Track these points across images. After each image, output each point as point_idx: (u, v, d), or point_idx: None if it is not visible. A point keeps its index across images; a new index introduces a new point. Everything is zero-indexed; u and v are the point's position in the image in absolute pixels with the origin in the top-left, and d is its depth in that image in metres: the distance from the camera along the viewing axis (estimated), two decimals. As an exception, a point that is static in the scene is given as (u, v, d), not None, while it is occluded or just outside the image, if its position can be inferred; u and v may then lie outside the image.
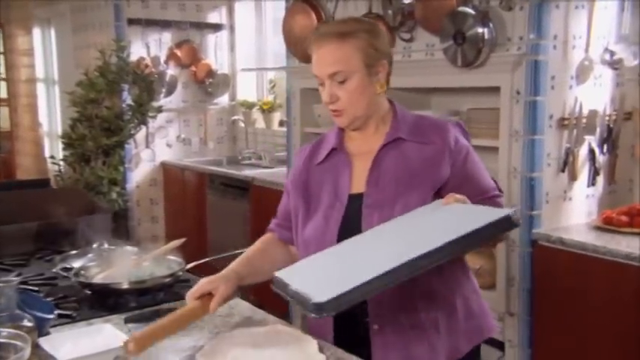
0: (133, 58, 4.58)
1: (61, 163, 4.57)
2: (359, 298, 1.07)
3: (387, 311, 1.39)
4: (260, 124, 4.87)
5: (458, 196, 1.29)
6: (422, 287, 1.38)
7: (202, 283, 1.39)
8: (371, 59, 1.39)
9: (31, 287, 1.69)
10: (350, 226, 1.40)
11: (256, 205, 3.93)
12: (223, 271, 1.43)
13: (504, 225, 1.15)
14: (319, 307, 1.01)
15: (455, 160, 1.41)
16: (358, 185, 1.43)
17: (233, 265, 1.47)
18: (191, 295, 1.38)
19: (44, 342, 1.24)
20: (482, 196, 1.42)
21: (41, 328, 1.28)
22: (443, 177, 1.39)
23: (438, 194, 1.38)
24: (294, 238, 1.53)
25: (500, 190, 1.48)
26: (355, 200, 1.42)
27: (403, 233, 1.23)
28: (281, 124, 4.67)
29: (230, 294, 1.40)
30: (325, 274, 1.17)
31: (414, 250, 1.07)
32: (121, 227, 4.32)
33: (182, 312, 1.36)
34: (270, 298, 1.40)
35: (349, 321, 1.42)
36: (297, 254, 1.52)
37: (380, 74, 1.42)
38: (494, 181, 1.49)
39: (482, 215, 1.15)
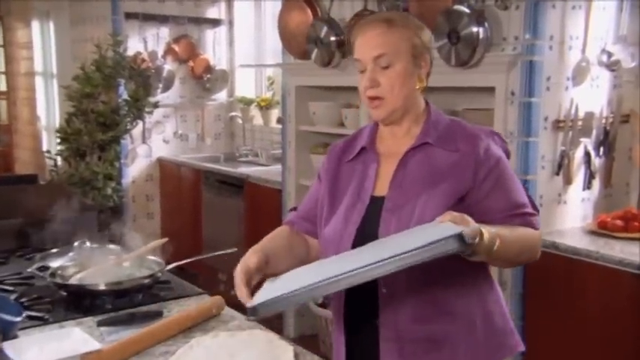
0: (130, 52, 4.55)
1: (57, 157, 4.54)
2: (288, 305, 1.23)
3: (402, 325, 1.32)
4: (258, 120, 4.83)
5: (455, 214, 1.20)
6: (441, 301, 1.33)
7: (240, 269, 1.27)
8: (417, 50, 1.36)
9: (5, 287, 1.66)
10: (368, 229, 1.35)
11: (250, 202, 3.89)
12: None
13: (452, 244, 1.09)
14: (252, 310, 1.16)
15: (481, 169, 1.33)
16: (382, 187, 1.39)
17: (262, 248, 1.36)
18: (238, 286, 1.26)
19: (8, 346, 1.21)
20: (510, 211, 1.33)
21: (7, 332, 1.25)
22: (466, 186, 1.32)
23: (463, 203, 1.32)
24: (318, 231, 1.47)
25: (535, 209, 1.38)
26: (377, 203, 1.38)
27: (375, 250, 1.22)
28: (278, 121, 4.63)
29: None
30: (283, 284, 1.22)
31: (352, 265, 1.11)
32: (117, 223, 4.29)
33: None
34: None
35: (363, 333, 1.37)
36: (315, 247, 1.47)
37: (422, 69, 1.38)
38: (530, 198, 1.39)
39: (437, 233, 1.12)
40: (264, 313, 1.14)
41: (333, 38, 3.09)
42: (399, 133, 1.41)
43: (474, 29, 2.43)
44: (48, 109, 6.36)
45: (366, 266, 1.09)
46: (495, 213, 1.31)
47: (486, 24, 2.44)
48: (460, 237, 1.10)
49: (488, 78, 2.48)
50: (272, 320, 2.83)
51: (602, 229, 2.39)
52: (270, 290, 1.20)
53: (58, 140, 4.52)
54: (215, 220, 4.31)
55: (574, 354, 2.29)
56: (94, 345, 1.26)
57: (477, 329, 1.36)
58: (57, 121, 5.81)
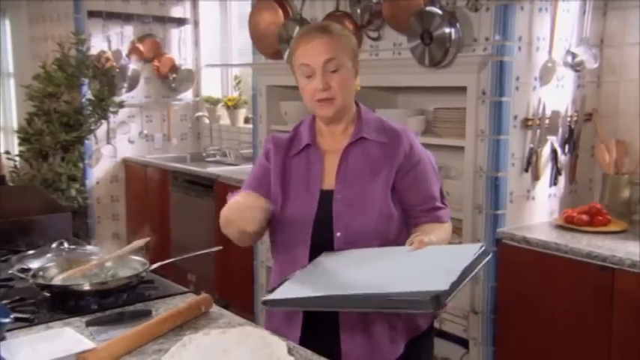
0: (94, 51, 4.47)
1: (17, 158, 4.41)
2: (299, 307, 1.42)
3: None
4: (225, 120, 4.81)
5: (425, 239, 1.40)
6: None
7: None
8: (354, 54, 1.55)
9: (-15, 289, 1.62)
10: (323, 220, 1.52)
11: (221, 202, 3.83)
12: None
13: (428, 305, 1.18)
14: (271, 302, 1.37)
15: (406, 162, 1.54)
16: (329, 181, 1.55)
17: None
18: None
19: (0, 347, 1.18)
20: (424, 206, 1.57)
21: (-3, 334, 1.22)
22: (393, 175, 1.53)
23: (393, 191, 1.54)
24: (270, 225, 1.58)
25: (444, 204, 1.62)
26: (326, 196, 1.54)
27: (377, 269, 1.36)
28: (246, 120, 4.62)
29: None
30: (301, 285, 1.37)
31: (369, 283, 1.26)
32: (80, 225, 4.21)
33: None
34: (237, 298, 1.39)
35: None
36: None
37: (358, 74, 1.57)
38: (442, 194, 1.63)
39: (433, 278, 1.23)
40: (277, 307, 1.34)
41: (305, 38, 3.11)
42: (337, 131, 1.58)
43: (447, 30, 2.49)
44: (4, 109, 6.17)
45: (385, 294, 1.20)
46: (413, 206, 1.56)
47: (458, 25, 2.50)
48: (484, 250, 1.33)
49: (460, 78, 2.55)
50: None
51: (568, 224, 2.48)
52: (288, 289, 1.35)
53: (19, 141, 4.41)
54: (184, 221, 4.27)
55: (545, 346, 2.37)
56: (88, 344, 1.25)
57: None
58: (14, 122, 5.64)
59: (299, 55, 1.51)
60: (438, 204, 1.60)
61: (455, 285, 1.17)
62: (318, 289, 1.29)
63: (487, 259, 1.34)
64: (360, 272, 1.35)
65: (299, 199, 1.55)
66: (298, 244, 1.53)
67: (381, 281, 1.26)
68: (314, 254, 1.50)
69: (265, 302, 1.35)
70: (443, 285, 1.15)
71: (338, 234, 1.51)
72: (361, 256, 1.45)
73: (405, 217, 1.58)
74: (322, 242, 1.51)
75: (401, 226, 1.57)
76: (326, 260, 1.47)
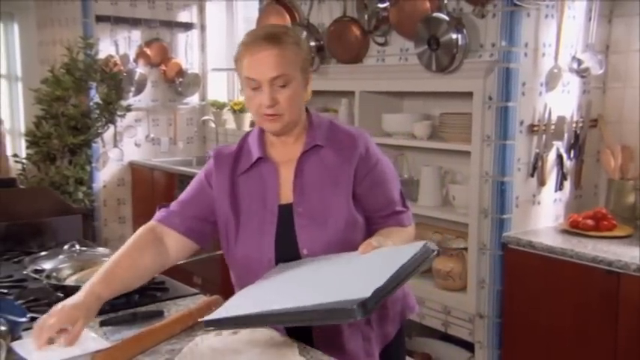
0: (102, 55, 4.50)
1: (25, 161, 4.44)
2: (236, 326, 1.29)
3: None
4: (231, 124, 4.84)
5: (374, 242, 1.31)
6: None
7: (60, 319, 1.23)
8: (305, 64, 1.43)
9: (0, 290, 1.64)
10: (286, 237, 1.43)
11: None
12: (82, 296, 1.29)
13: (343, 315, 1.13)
14: (207, 323, 1.24)
15: (363, 167, 1.45)
16: (285, 195, 1.45)
17: (94, 285, 1.34)
18: (46, 330, 1.21)
19: (17, 346, 1.21)
20: (386, 210, 1.50)
21: (13, 333, 1.24)
22: (352, 180, 1.44)
23: (354, 198, 1.45)
24: (225, 251, 1.51)
25: (405, 206, 1.55)
26: (286, 210, 1.44)
27: (318, 279, 1.28)
28: (252, 124, 4.64)
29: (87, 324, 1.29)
30: (240, 303, 1.30)
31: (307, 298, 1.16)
32: (87, 228, 4.23)
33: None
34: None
35: None
36: (173, 249, 1.48)
37: (309, 81, 1.46)
38: (402, 195, 1.56)
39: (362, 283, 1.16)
40: (217, 327, 1.23)
41: (312, 43, 3.14)
42: (289, 141, 1.48)
43: (453, 36, 2.52)
44: (12, 112, 6.21)
45: (301, 309, 1.12)
46: (374, 212, 1.48)
47: (464, 31, 2.53)
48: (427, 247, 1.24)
49: (466, 83, 2.57)
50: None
51: (574, 229, 2.50)
52: (228, 307, 1.28)
53: (27, 144, 4.44)
54: (190, 224, 4.28)
55: (550, 350, 2.38)
56: (103, 344, 1.27)
57: (385, 301, 1.45)
58: (22, 125, 5.67)
59: (245, 65, 1.38)
60: (399, 208, 1.53)
61: (380, 290, 1.09)
62: (247, 306, 1.23)
63: (432, 256, 1.25)
64: (297, 284, 1.28)
65: (255, 218, 1.45)
66: (262, 265, 1.42)
67: (310, 294, 1.18)
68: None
69: (206, 323, 1.23)
70: (366, 292, 1.08)
71: (304, 251, 1.42)
72: (311, 265, 1.37)
73: (367, 223, 1.50)
74: (289, 260, 1.42)
75: (365, 232, 1.49)
76: (274, 273, 1.40)
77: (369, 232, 1.49)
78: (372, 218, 1.51)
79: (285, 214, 1.43)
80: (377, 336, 1.53)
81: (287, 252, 1.42)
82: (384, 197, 1.50)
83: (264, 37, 1.39)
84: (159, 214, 1.54)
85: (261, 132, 1.50)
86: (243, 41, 1.42)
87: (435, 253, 1.26)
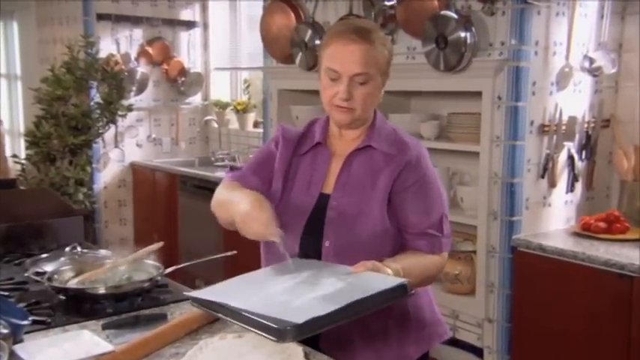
0: (103, 54, 4.45)
1: (24, 162, 4.40)
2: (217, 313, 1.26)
3: None
4: (234, 124, 4.79)
5: (368, 264, 1.29)
6: None
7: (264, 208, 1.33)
8: (387, 67, 1.44)
9: (1, 292, 1.60)
10: (314, 226, 1.44)
11: (230, 207, 3.84)
12: (249, 193, 1.38)
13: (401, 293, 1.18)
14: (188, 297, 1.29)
15: (410, 174, 1.43)
16: (329, 185, 1.48)
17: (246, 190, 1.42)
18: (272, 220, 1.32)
19: (20, 349, 1.17)
20: (419, 226, 1.43)
21: (15, 336, 1.20)
22: (392, 183, 1.43)
23: (390, 204, 1.43)
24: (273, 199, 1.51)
25: (441, 232, 1.46)
26: (324, 200, 1.46)
27: (317, 284, 1.28)
28: (255, 125, 4.60)
29: None
30: (229, 290, 1.31)
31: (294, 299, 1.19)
32: (87, 229, 4.18)
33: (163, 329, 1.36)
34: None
35: None
36: None
37: (384, 86, 1.46)
38: (442, 222, 1.46)
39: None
40: (198, 308, 1.25)
41: (317, 42, 3.09)
42: (348, 137, 1.49)
43: (462, 34, 2.47)
44: (12, 112, 6.17)
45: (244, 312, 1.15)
46: (405, 226, 1.43)
47: (473, 29, 2.49)
48: (404, 287, 1.22)
49: (475, 82, 2.53)
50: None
51: (585, 231, 2.45)
52: (213, 291, 1.28)
53: (26, 144, 4.39)
54: (192, 225, 4.24)
55: (560, 354, 2.34)
56: (106, 347, 1.23)
57: (408, 322, 1.48)
58: (21, 125, 5.63)
59: (329, 54, 1.39)
60: (432, 231, 1.44)
61: (318, 320, 1.09)
62: (226, 297, 1.23)
63: (405, 297, 1.25)
64: (279, 288, 1.28)
65: (297, 200, 1.48)
66: (285, 244, 1.39)
67: (266, 302, 1.20)
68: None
69: (189, 298, 1.28)
70: (304, 317, 1.09)
71: (327, 243, 1.42)
72: (304, 271, 1.35)
73: (400, 237, 1.46)
74: (310, 251, 1.43)
75: (395, 245, 1.45)
76: (271, 269, 1.40)
77: (400, 247, 1.45)
78: (403, 233, 1.46)
79: (323, 202, 1.45)
80: (395, 355, 1.48)
81: (310, 240, 1.43)
82: (419, 214, 1.44)
83: (354, 30, 1.39)
84: (233, 174, 1.58)
85: (327, 121, 1.53)
86: (332, 29, 1.45)
87: (410, 295, 1.25)
